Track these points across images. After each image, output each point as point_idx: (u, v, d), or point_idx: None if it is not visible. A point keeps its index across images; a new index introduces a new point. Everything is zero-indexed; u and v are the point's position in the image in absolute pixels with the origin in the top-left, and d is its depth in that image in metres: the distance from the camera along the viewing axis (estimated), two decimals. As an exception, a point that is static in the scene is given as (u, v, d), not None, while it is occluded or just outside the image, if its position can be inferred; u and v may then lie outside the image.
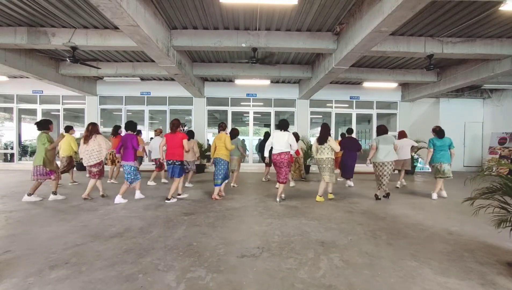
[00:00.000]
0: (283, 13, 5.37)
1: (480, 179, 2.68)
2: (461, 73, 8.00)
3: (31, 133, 11.38)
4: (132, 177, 4.96)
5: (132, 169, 4.95)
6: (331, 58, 6.56)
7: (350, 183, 6.87)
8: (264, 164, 7.85)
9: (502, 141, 10.11)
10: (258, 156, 10.35)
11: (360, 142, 7.68)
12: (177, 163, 4.89)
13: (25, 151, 11.31)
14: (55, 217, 3.88)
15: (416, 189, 6.62)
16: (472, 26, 5.73)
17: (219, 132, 5.34)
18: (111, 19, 4.19)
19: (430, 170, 10.28)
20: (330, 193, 5.33)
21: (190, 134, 6.61)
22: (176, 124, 4.95)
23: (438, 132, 5.47)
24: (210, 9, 5.24)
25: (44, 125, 4.94)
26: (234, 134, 6.21)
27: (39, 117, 10.62)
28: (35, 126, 4.99)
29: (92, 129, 5.03)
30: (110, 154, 6.89)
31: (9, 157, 10.96)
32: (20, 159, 10.80)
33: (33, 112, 10.94)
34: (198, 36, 6.10)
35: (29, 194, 4.85)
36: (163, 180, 7.16)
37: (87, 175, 5.10)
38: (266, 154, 5.23)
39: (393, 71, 8.86)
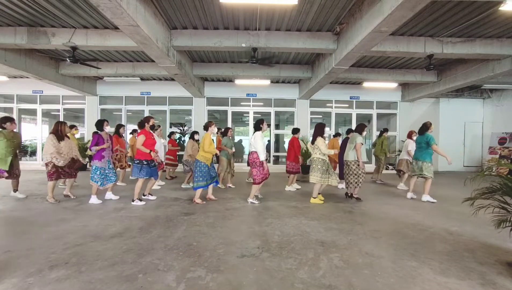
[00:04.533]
0: (283, 13, 5.37)
1: (480, 179, 2.67)
2: (461, 73, 8.00)
3: (31, 133, 11.37)
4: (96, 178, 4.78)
5: (94, 168, 4.78)
6: (331, 58, 6.56)
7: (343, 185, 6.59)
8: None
9: (502, 141, 10.11)
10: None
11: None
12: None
13: (25, 151, 11.30)
14: (55, 217, 3.88)
15: (416, 189, 6.60)
16: (472, 26, 5.73)
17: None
18: (111, 19, 4.19)
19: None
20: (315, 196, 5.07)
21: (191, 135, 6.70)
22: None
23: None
24: (210, 9, 5.24)
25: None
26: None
27: (39, 117, 10.65)
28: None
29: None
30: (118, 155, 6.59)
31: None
32: (20, 159, 10.75)
33: (33, 112, 10.93)
34: (198, 36, 6.10)
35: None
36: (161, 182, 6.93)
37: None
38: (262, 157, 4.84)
39: (393, 71, 8.86)
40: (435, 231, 3.48)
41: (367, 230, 3.48)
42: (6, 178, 4.89)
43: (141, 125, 5.09)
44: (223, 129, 6.85)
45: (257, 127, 4.87)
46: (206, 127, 5.03)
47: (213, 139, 5.22)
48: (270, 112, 11.01)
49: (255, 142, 4.74)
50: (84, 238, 3.05)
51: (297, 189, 6.47)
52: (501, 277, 2.30)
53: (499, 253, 2.80)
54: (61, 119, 10.68)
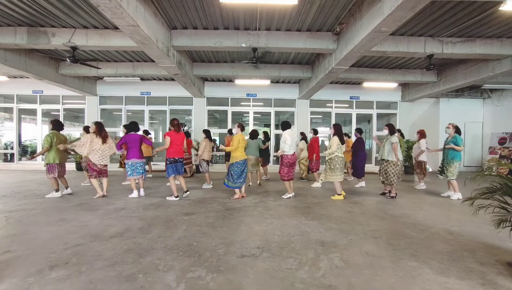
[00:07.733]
0: (283, 13, 5.37)
1: (480, 179, 2.67)
2: (461, 73, 8.00)
3: (31, 133, 11.38)
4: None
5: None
6: (331, 58, 6.56)
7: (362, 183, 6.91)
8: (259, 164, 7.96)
9: (502, 141, 10.11)
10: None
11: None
12: (179, 161, 5.13)
13: (25, 151, 11.30)
14: (55, 217, 3.88)
15: (416, 189, 6.61)
16: (472, 26, 5.73)
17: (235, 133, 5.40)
18: (111, 19, 4.19)
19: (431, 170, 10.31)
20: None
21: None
22: (177, 124, 5.18)
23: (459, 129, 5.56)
24: (210, 9, 5.24)
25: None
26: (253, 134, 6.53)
27: (39, 117, 10.65)
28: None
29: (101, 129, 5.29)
30: (121, 156, 6.98)
31: (9, 157, 10.96)
32: (20, 159, 10.80)
33: (33, 112, 10.93)
34: (198, 36, 6.10)
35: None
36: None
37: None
38: (291, 151, 5.20)
39: (393, 71, 8.86)
40: (435, 231, 3.48)
41: (367, 230, 3.48)
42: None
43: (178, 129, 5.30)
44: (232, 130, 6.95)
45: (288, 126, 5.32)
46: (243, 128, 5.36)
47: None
48: (270, 112, 11.01)
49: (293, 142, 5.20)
50: (84, 238, 3.05)
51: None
52: (501, 277, 2.30)
53: (499, 253, 2.79)
54: (61, 119, 10.68)
